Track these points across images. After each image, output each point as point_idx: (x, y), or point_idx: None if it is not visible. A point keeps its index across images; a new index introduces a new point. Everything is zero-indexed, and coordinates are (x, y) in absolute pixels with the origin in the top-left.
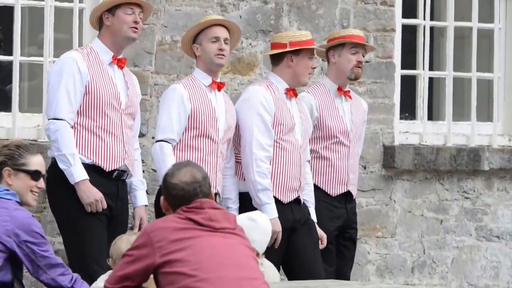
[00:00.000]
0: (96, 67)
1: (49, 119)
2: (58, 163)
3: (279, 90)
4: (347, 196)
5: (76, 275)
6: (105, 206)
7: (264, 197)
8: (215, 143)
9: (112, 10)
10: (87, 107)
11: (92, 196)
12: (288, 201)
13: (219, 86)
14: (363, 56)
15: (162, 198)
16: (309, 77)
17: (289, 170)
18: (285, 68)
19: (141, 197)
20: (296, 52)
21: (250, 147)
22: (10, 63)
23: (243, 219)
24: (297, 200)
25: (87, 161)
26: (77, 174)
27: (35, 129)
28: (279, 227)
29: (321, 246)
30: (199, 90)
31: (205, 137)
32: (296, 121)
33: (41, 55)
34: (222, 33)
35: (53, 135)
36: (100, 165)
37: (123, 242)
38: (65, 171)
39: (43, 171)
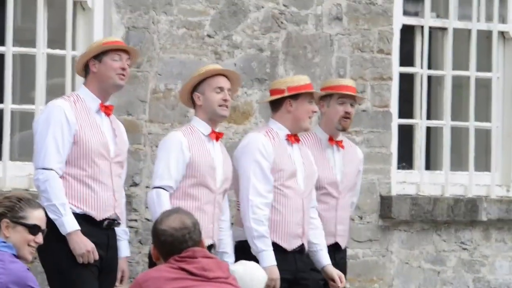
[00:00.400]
0: (84, 116)
1: (37, 169)
2: (48, 213)
3: (279, 136)
4: (335, 247)
5: None
6: (97, 257)
7: (260, 244)
8: (212, 192)
9: (98, 56)
10: (76, 156)
11: (84, 247)
12: (292, 249)
13: (218, 136)
14: (352, 106)
15: (151, 246)
16: (309, 121)
17: (291, 216)
18: (285, 113)
19: (123, 248)
20: (294, 97)
21: (247, 193)
22: (0, 111)
23: (236, 267)
24: (301, 249)
25: (78, 210)
26: (69, 225)
27: (27, 178)
28: (276, 275)
29: (341, 285)
30: (198, 139)
31: (203, 186)
32: (297, 167)
33: (33, 103)
34: (225, 83)
35: (42, 185)
36: (90, 214)
37: None
38: (55, 222)
39: (43, 226)
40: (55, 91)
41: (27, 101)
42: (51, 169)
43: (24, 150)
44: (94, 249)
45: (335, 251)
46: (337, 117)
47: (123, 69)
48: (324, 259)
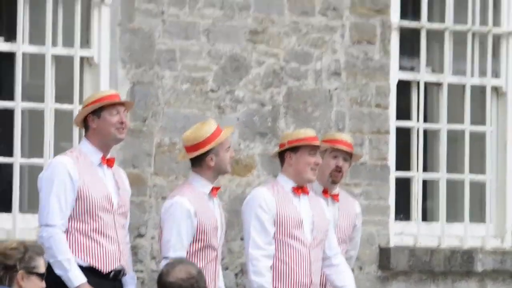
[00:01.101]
0: (87, 171)
1: (41, 226)
2: (54, 269)
3: (284, 189)
4: None
5: None
6: None
7: None
8: (215, 250)
9: (96, 112)
10: (80, 211)
11: None
12: None
13: (216, 191)
14: (346, 160)
15: None
16: (313, 173)
17: (297, 266)
18: (288, 167)
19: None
20: (294, 150)
21: (247, 247)
22: (10, 165)
23: None
24: None
25: (84, 264)
26: (75, 279)
27: (35, 230)
28: None
29: None
30: (202, 201)
31: (208, 247)
32: (304, 218)
33: (41, 156)
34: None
35: (46, 242)
36: (97, 267)
37: None
38: (62, 277)
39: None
40: (63, 145)
41: (36, 154)
42: (54, 225)
43: (33, 203)
44: None
45: None
46: (328, 170)
47: (122, 122)
48: None
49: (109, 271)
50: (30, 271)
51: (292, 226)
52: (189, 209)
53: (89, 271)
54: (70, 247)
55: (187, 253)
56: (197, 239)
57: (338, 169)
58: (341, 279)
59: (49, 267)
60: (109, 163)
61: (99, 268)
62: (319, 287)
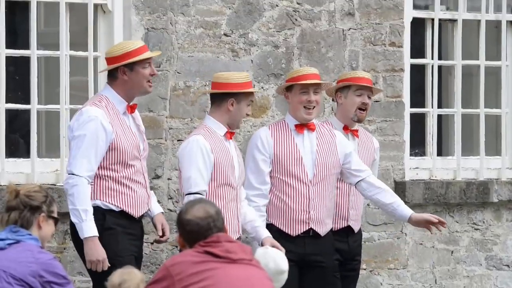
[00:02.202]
0: (117, 122)
1: (69, 173)
2: (71, 216)
3: (288, 127)
4: (349, 231)
5: None
6: (106, 268)
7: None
8: (234, 189)
9: (128, 64)
10: (112, 161)
11: (97, 255)
12: (296, 234)
13: (231, 135)
14: (369, 97)
15: (177, 236)
16: (305, 111)
17: (293, 204)
18: (288, 105)
19: (155, 206)
20: (289, 89)
21: (245, 187)
22: (27, 112)
23: (258, 251)
24: (314, 234)
25: (116, 209)
26: (87, 230)
27: (54, 174)
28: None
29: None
30: (217, 140)
31: (227, 185)
32: (303, 155)
33: (57, 103)
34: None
35: (70, 189)
36: (129, 212)
37: (116, 274)
38: (76, 225)
39: None
40: (78, 90)
41: (52, 101)
42: (81, 176)
43: (50, 148)
44: (105, 260)
45: (348, 234)
46: (353, 108)
47: (152, 74)
48: (406, 210)
49: (140, 215)
50: (50, 215)
51: (290, 164)
52: (205, 145)
53: (121, 215)
54: (103, 194)
55: (208, 191)
56: (215, 177)
57: (364, 106)
58: (385, 196)
59: None
60: (132, 110)
61: (131, 212)
62: (330, 221)
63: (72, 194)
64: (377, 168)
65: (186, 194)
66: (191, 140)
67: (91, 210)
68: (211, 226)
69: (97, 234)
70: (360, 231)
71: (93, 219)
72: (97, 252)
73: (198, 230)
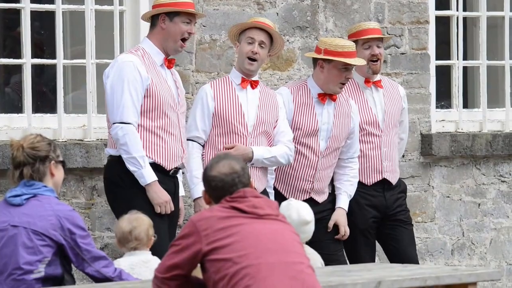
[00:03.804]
0: (153, 70)
1: (114, 123)
2: (128, 165)
3: (310, 94)
4: (384, 184)
5: (119, 268)
6: (173, 208)
7: None
8: (243, 137)
9: (170, 14)
10: (148, 109)
11: (163, 197)
12: None
13: (252, 84)
14: (379, 47)
15: (203, 191)
16: (340, 86)
17: (301, 173)
18: (319, 73)
19: (179, 188)
20: (327, 60)
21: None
22: (53, 67)
23: (281, 203)
24: (313, 202)
25: (149, 160)
26: (148, 176)
27: (81, 129)
28: None
29: (341, 236)
30: (227, 88)
31: (233, 133)
32: (321, 126)
33: (83, 58)
34: (258, 35)
35: (122, 139)
36: (161, 164)
37: (124, 222)
38: (135, 173)
39: None
40: (103, 46)
41: (78, 56)
42: (129, 123)
43: (77, 104)
44: (170, 201)
45: (384, 188)
46: (365, 62)
47: (190, 33)
48: (339, 201)
49: (172, 168)
50: (57, 160)
51: (306, 134)
52: (207, 92)
53: (152, 167)
54: None
55: (210, 138)
56: (216, 124)
57: (375, 58)
58: (341, 181)
59: (115, 161)
60: (170, 64)
61: (163, 164)
62: (327, 190)
63: (125, 144)
64: (407, 116)
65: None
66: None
67: (146, 156)
68: (236, 182)
69: (156, 178)
70: (400, 183)
71: (149, 164)
72: (163, 195)
73: (222, 186)
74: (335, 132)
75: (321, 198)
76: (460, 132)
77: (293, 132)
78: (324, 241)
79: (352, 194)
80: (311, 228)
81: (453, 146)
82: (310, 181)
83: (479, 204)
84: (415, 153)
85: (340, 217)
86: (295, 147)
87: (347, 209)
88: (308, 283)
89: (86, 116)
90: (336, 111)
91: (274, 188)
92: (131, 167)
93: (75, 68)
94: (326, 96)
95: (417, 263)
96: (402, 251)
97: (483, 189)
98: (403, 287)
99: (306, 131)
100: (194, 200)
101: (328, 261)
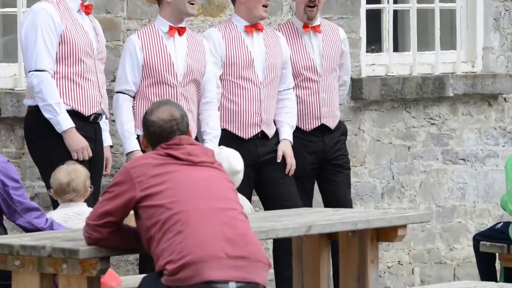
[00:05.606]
0: (68, 16)
1: (30, 71)
2: (44, 113)
3: (237, 29)
4: (324, 129)
5: (51, 218)
6: (91, 154)
7: None
8: (173, 87)
9: None
10: (63, 55)
11: (79, 143)
12: (249, 137)
13: (180, 31)
14: None
15: (141, 136)
16: (264, 10)
17: (246, 106)
18: (239, 5)
19: (106, 138)
20: None
21: None
22: None
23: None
24: (263, 135)
25: (67, 107)
26: (64, 123)
27: (12, 79)
28: None
29: (288, 167)
30: (155, 38)
31: (163, 83)
32: (255, 57)
33: (15, 6)
34: None
35: (36, 87)
36: (79, 110)
37: (62, 172)
38: (51, 120)
39: None
40: None
41: (9, 4)
42: (44, 70)
43: (9, 52)
44: (88, 147)
45: (324, 133)
46: (302, 6)
47: None
48: (282, 133)
49: (90, 114)
50: None
51: (242, 67)
52: (134, 44)
53: (71, 114)
54: None
55: (141, 90)
56: (146, 74)
57: (312, 4)
58: (281, 113)
59: (34, 111)
60: (87, 9)
61: (81, 111)
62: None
63: (40, 91)
64: (348, 58)
65: (116, 93)
66: (127, 39)
67: (62, 102)
68: (174, 129)
69: (73, 124)
70: (340, 126)
71: (65, 110)
72: (79, 141)
73: (161, 132)
74: (270, 61)
75: (271, 132)
76: (390, 75)
77: (230, 68)
78: (279, 181)
79: (294, 125)
80: (240, 177)
81: (383, 89)
82: (258, 113)
83: (409, 147)
84: (345, 98)
85: (286, 147)
86: (235, 82)
87: (292, 140)
88: (240, 229)
89: (17, 65)
90: (266, 41)
91: (224, 129)
92: (47, 115)
93: (6, 16)
94: (253, 27)
95: (351, 207)
96: (337, 196)
97: (413, 132)
98: (334, 231)
99: (242, 64)
100: (127, 154)
101: (284, 200)
